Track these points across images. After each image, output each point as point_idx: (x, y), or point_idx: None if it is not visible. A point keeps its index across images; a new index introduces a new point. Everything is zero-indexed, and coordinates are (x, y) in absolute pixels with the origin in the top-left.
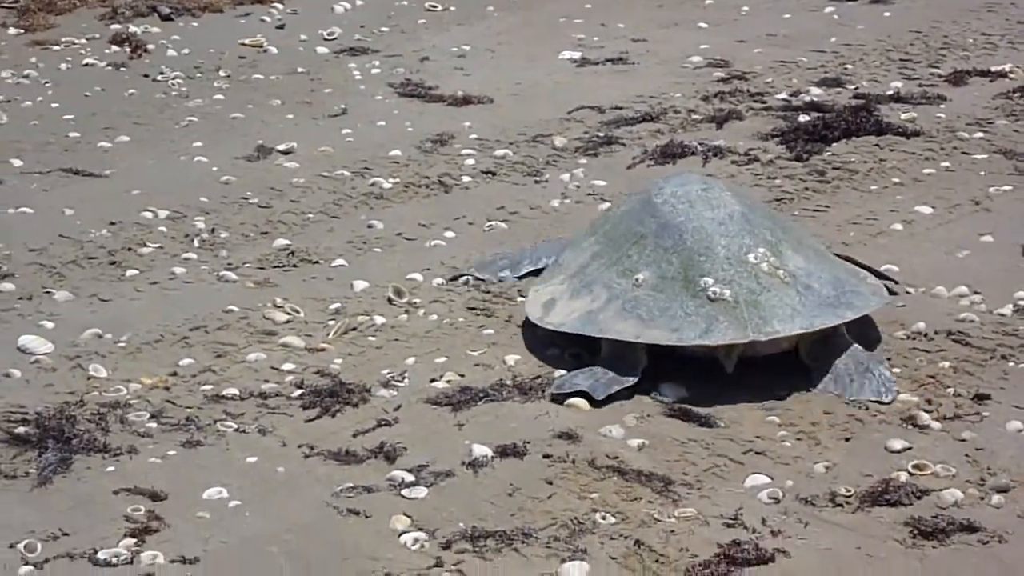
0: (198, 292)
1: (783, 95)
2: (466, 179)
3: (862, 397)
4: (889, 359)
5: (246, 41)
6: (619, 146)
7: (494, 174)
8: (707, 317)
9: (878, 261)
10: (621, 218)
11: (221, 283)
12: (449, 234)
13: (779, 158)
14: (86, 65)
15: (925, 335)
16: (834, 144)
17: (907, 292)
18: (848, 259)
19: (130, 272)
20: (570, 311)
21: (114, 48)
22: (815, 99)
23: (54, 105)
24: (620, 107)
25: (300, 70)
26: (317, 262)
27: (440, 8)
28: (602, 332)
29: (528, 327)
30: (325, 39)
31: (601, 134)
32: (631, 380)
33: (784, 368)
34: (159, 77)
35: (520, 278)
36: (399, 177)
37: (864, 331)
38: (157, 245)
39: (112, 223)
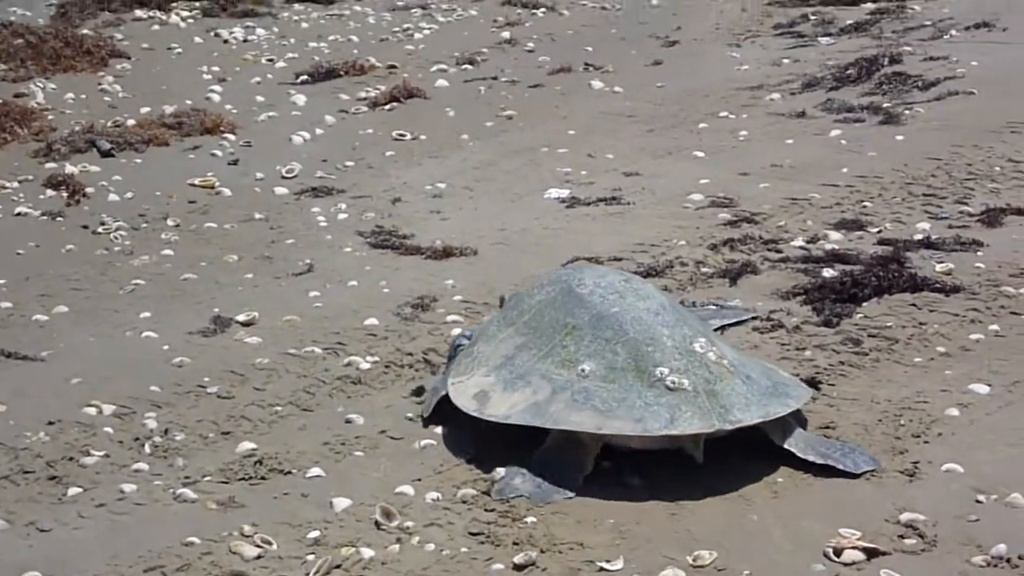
0: (152, 518)
1: (800, 242)
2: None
3: (859, 470)
4: None
5: (196, 181)
6: None
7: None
8: (670, 407)
9: (940, 458)
10: (541, 309)
11: (178, 504)
12: (441, 429)
13: (806, 323)
14: (18, 215)
15: (1008, 561)
16: (865, 304)
17: (978, 501)
18: None
19: (72, 490)
20: (512, 403)
21: (49, 192)
22: (836, 247)
23: None
24: (619, 258)
25: (258, 216)
26: (289, 472)
27: (409, 137)
28: (557, 424)
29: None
30: (284, 177)
31: None
32: (571, 492)
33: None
34: (100, 229)
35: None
36: (378, 354)
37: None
38: (103, 453)
39: (51, 423)
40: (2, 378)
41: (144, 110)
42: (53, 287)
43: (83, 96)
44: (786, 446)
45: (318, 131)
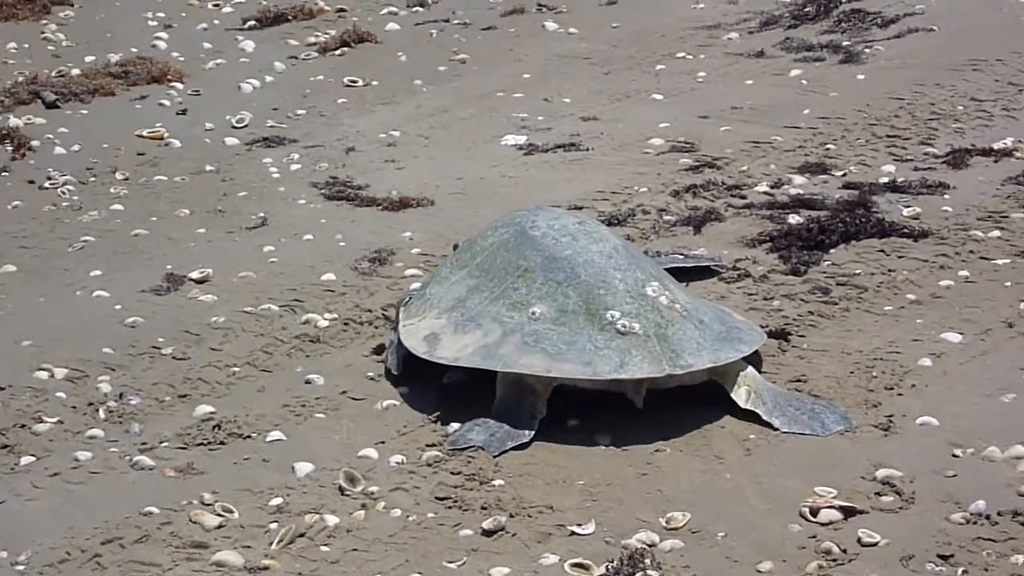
0: (108, 487)
1: (764, 187)
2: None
3: (829, 432)
4: (951, 555)
5: (144, 132)
6: None
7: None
8: (620, 351)
9: (914, 411)
10: (494, 251)
11: (135, 472)
12: (403, 389)
13: (773, 271)
14: None
15: (987, 518)
16: (833, 251)
17: (954, 456)
18: None
19: (25, 460)
20: (461, 345)
21: None
22: (801, 191)
23: None
24: (579, 206)
25: (208, 168)
26: (249, 436)
27: (361, 83)
28: (507, 366)
29: None
30: (234, 127)
31: None
32: (527, 436)
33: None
34: (47, 184)
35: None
36: (336, 311)
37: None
38: (56, 419)
39: (0, 388)
40: None
41: (89, 59)
42: (1, 245)
43: (25, 45)
44: (750, 406)
45: (268, 78)
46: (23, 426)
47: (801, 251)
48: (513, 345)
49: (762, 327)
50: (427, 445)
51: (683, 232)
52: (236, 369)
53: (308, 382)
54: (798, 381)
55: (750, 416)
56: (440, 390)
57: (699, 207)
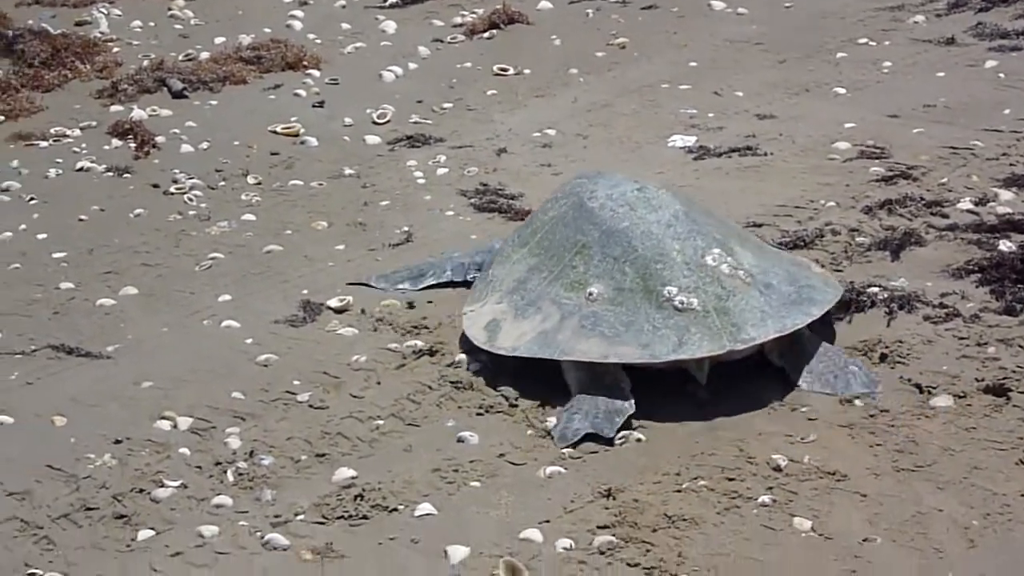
0: (238, 571)
1: (967, 203)
2: None
3: (850, 393)
4: None
5: (278, 128)
6: None
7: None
8: (678, 329)
9: None
10: (552, 225)
11: (267, 552)
12: (569, 450)
13: (985, 310)
14: (80, 170)
15: None
16: None
17: None
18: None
19: (143, 533)
20: (520, 332)
21: (115, 142)
22: (1010, 210)
23: (40, 237)
24: (760, 223)
25: (348, 172)
26: (395, 509)
27: (512, 72)
28: (565, 354)
29: None
30: (375, 122)
31: None
32: (630, 407)
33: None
34: (172, 188)
35: (421, 290)
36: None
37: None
38: (179, 483)
39: (117, 441)
40: (62, 380)
41: (219, 40)
42: (120, 262)
43: (151, 24)
44: (780, 362)
45: (411, 65)
46: (141, 490)
47: (1015, 285)
48: (571, 330)
49: (976, 380)
50: (599, 527)
51: (879, 258)
52: (380, 422)
53: (461, 440)
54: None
55: None
56: (609, 457)
57: (895, 227)
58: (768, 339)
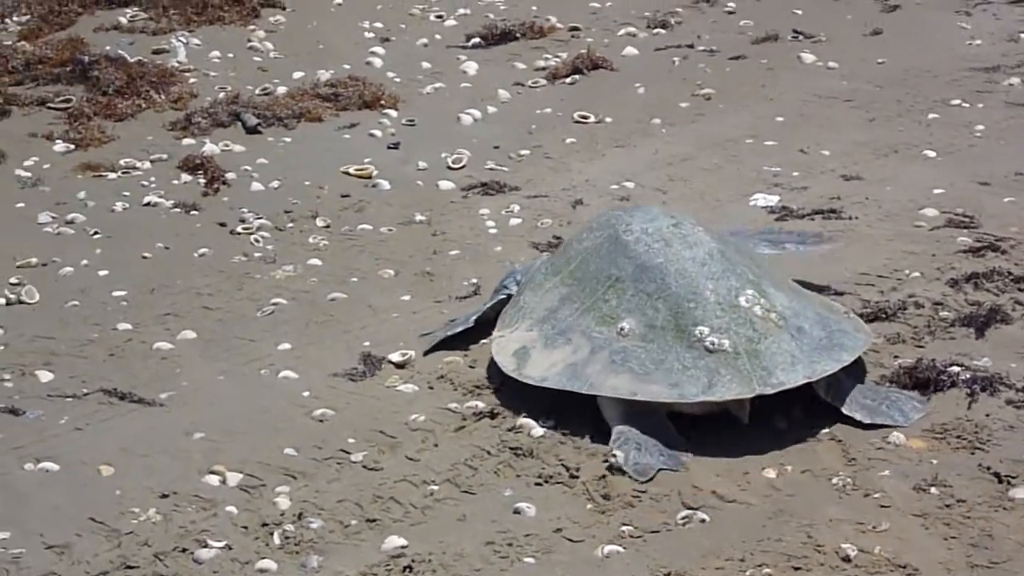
0: None
1: None
2: None
3: (911, 420)
4: None
5: (351, 169)
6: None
7: (680, 415)
8: (708, 371)
9: None
10: (587, 257)
11: None
12: (628, 528)
13: None
14: (148, 205)
15: None
16: None
17: None
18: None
19: None
20: (550, 363)
21: (184, 177)
22: None
23: (102, 273)
24: (841, 291)
25: (419, 218)
26: None
27: (593, 120)
28: (593, 388)
29: None
30: (450, 167)
31: None
32: (687, 456)
33: None
34: (239, 228)
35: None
36: (555, 417)
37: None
38: (223, 544)
39: (164, 495)
40: (112, 428)
41: (297, 75)
42: (181, 304)
43: (230, 55)
44: (829, 399)
45: (490, 108)
46: (184, 550)
47: None
48: (600, 364)
49: None
50: None
51: (963, 335)
52: (435, 487)
53: (517, 511)
54: None
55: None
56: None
57: (981, 302)
58: (797, 384)
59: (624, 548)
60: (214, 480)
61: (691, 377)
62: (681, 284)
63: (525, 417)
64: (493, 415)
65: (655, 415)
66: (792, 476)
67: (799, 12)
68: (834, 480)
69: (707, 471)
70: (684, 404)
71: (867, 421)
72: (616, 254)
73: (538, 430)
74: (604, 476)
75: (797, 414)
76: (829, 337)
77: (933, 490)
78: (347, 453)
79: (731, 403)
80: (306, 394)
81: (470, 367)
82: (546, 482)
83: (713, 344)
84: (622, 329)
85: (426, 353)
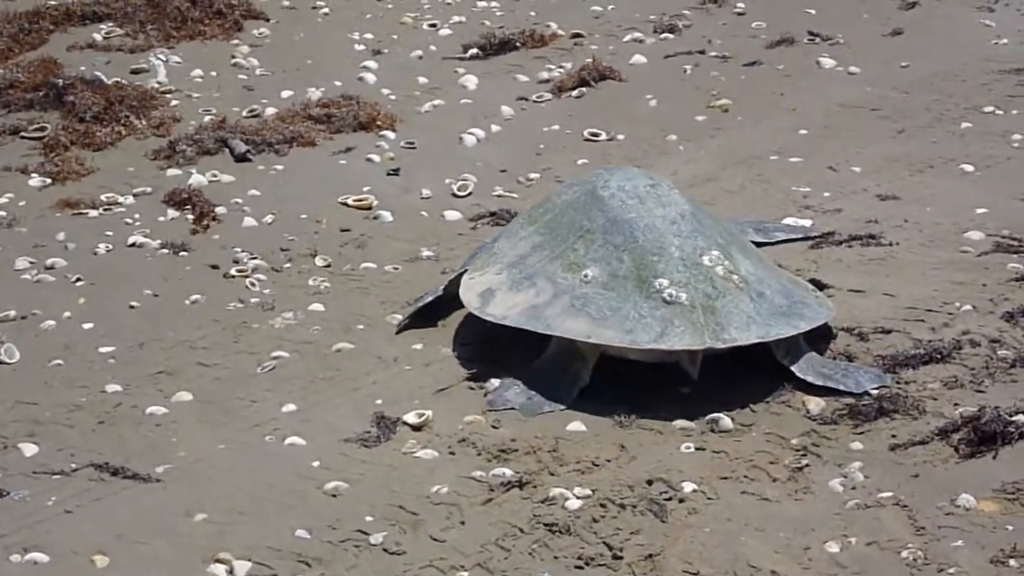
0: None
1: None
2: (688, 487)
3: (862, 389)
4: None
5: (350, 200)
6: (898, 414)
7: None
8: (662, 320)
9: None
10: (563, 209)
11: None
12: None
13: None
14: (133, 246)
15: None
16: None
17: None
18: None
19: None
20: (511, 303)
21: (171, 213)
22: None
23: (87, 326)
24: (887, 328)
25: (426, 254)
26: None
27: (604, 137)
28: (550, 328)
29: None
30: (456, 195)
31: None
32: (561, 406)
33: None
34: (233, 272)
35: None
36: (590, 484)
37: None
38: None
39: None
40: (105, 508)
41: (286, 94)
42: (173, 361)
43: (213, 73)
44: (785, 362)
45: (493, 127)
46: None
47: None
48: (560, 307)
49: None
50: None
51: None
52: (464, 574)
53: None
54: None
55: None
56: None
57: None
58: (748, 343)
59: None
60: (220, 570)
61: (645, 325)
62: (648, 239)
63: (559, 487)
64: (522, 484)
65: (575, 369)
66: (857, 550)
67: (812, 12)
68: (904, 554)
69: (764, 547)
70: (634, 350)
71: (819, 383)
72: (591, 207)
73: (574, 502)
74: (651, 556)
75: (855, 474)
76: (790, 306)
77: (1012, 562)
78: (365, 534)
79: (682, 355)
80: (316, 464)
81: (493, 427)
82: (587, 564)
83: (671, 296)
84: (586, 276)
85: (398, 332)
